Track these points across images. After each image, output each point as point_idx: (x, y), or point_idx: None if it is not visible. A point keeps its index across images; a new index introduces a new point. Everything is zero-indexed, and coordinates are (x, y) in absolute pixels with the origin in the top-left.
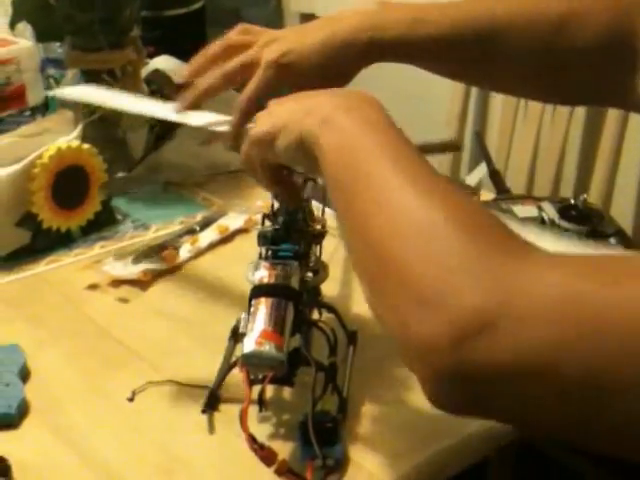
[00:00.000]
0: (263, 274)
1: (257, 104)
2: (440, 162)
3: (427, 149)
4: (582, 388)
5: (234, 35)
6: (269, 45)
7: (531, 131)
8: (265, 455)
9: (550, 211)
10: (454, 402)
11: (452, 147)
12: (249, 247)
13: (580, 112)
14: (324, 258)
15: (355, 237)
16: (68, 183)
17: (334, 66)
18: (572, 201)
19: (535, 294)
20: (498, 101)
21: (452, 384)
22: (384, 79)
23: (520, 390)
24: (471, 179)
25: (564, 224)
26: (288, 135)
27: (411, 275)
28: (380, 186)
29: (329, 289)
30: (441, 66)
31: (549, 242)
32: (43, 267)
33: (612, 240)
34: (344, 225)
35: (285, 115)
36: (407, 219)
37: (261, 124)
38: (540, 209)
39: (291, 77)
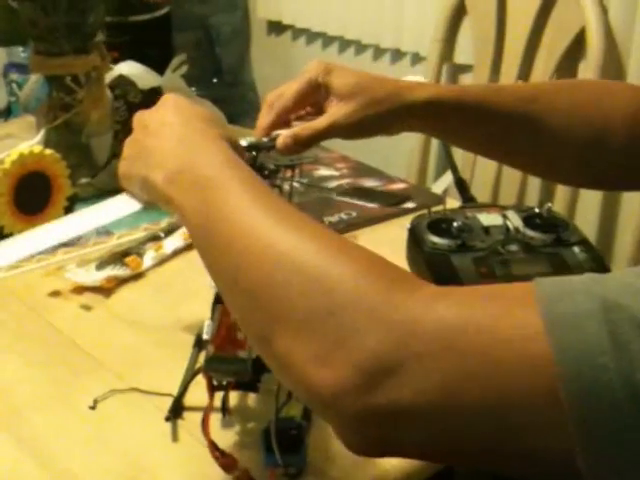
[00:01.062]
0: None
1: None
2: (407, 170)
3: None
4: (485, 415)
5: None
6: None
7: None
8: (226, 462)
9: (515, 220)
10: (368, 446)
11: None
12: None
13: None
14: None
15: (233, 292)
16: (30, 189)
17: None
18: (537, 210)
19: (428, 330)
20: None
21: (362, 429)
22: None
23: (429, 426)
24: (437, 187)
25: (529, 233)
26: (135, 185)
27: (302, 323)
28: (250, 236)
29: None
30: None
31: None
32: (5, 273)
33: (576, 249)
34: (217, 282)
35: (125, 165)
36: (286, 263)
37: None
38: (505, 217)
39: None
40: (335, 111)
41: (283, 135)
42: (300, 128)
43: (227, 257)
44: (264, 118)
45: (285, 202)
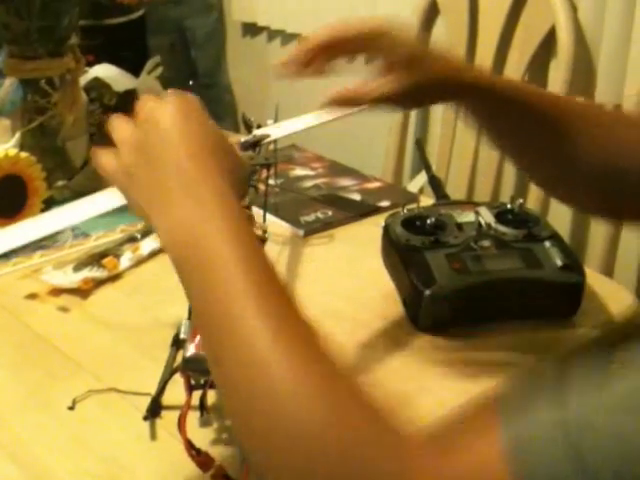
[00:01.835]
0: None
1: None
2: (384, 169)
3: None
4: None
5: None
6: None
7: (471, 138)
8: (202, 461)
9: (487, 216)
10: None
11: None
12: None
13: None
14: None
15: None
16: (6, 192)
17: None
18: (509, 206)
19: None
20: (439, 108)
21: None
22: (328, 83)
23: None
24: (413, 186)
25: (500, 228)
26: (130, 200)
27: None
28: (242, 346)
29: None
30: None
31: None
32: None
33: (547, 243)
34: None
35: (122, 172)
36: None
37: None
38: (477, 214)
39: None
40: (399, 79)
41: (343, 90)
42: (364, 87)
43: (214, 342)
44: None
45: (291, 300)
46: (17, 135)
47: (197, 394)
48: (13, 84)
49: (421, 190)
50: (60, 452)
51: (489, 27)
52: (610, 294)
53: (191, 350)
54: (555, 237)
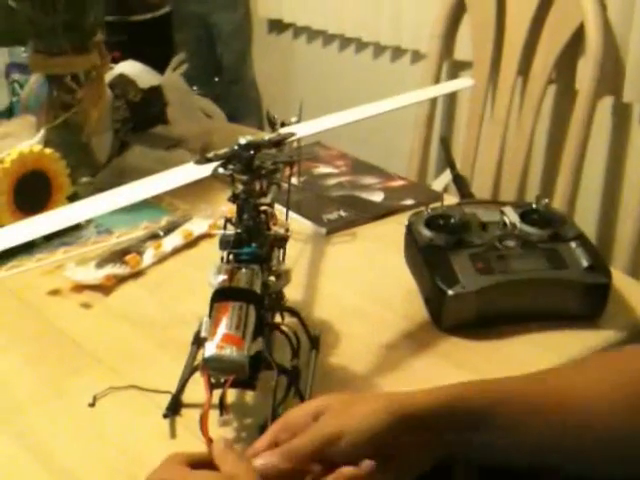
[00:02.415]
0: (224, 278)
1: None
2: (408, 167)
3: None
4: None
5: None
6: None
7: (497, 136)
8: None
9: (512, 215)
10: None
11: None
12: (213, 252)
13: (545, 118)
14: (288, 262)
15: None
16: (30, 188)
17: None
18: (534, 206)
19: None
20: (464, 106)
21: None
22: (354, 81)
23: None
24: (437, 184)
25: (526, 228)
26: None
27: None
28: None
29: (293, 293)
30: None
31: None
32: (4, 272)
33: (573, 244)
34: None
35: None
36: None
37: None
38: (502, 213)
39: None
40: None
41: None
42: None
43: None
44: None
45: None
46: (42, 131)
47: (217, 393)
48: (38, 80)
49: (445, 188)
50: (79, 447)
51: (516, 24)
52: (637, 296)
53: (211, 350)
54: (581, 237)
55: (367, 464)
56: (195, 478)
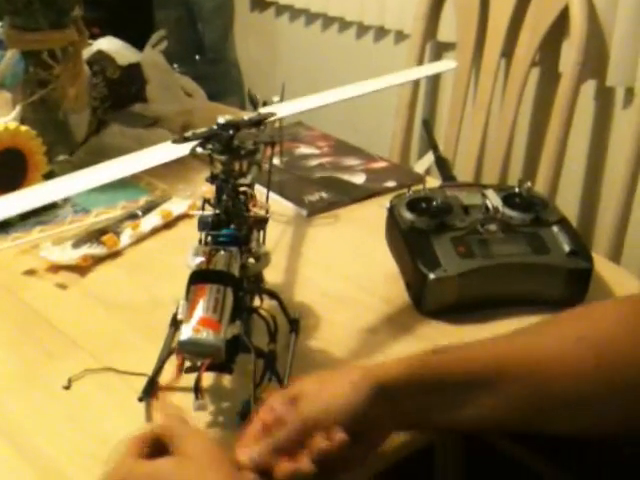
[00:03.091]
0: (202, 260)
1: None
2: (390, 149)
3: None
4: None
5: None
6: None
7: (480, 119)
8: None
9: (494, 199)
10: None
11: None
12: (192, 233)
13: (528, 101)
14: (268, 244)
15: None
16: (6, 166)
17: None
18: (516, 189)
19: None
20: (447, 88)
21: None
22: (337, 61)
23: None
24: (420, 166)
25: (508, 212)
26: None
27: None
28: None
29: (273, 276)
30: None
31: None
32: None
33: (555, 228)
34: None
35: None
36: None
37: None
38: (484, 197)
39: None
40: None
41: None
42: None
43: None
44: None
45: None
46: (18, 108)
47: (192, 377)
48: (14, 56)
49: (428, 171)
50: (55, 432)
51: (500, 6)
52: (617, 280)
53: (187, 333)
54: (563, 222)
55: (340, 437)
56: (156, 469)
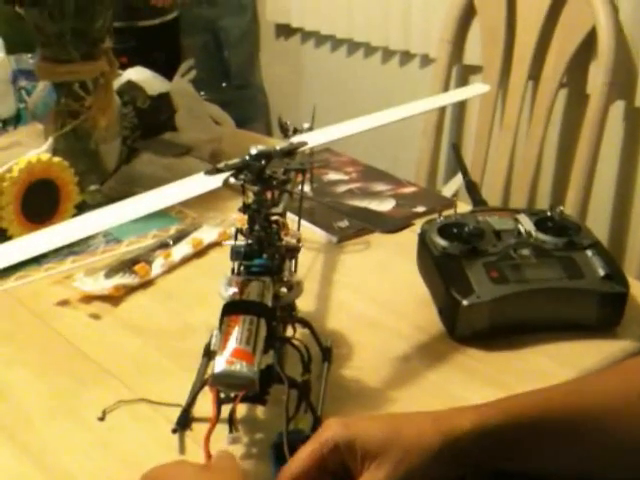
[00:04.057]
0: (235, 290)
1: None
2: (417, 172)
3: None
4: None
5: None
6: None
7: (507, 141)
8: None
9: (527, 223)
10: None
11: None
12: (223, 261)
13: (556, 123)
14: (300, 273)
15: None
16: (38, 197)
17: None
18: (548, 213)
19: None
20: (474, 112)
21: None
22: (363, 86)
23: None
24: (447, 190)
25: (541, 236)
26: None
27: None
28: None
29: (304, 304)
30: None
31: None
32: (12, 283)
33: (589, 252)
34: None
35: None
36: None
37: None
38: (516, 221)
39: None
40: (370, 477)
41: None
42: None
43: None
44: None
45: None
46: (50, 139)
47: (227, 408)
48: (46, 88)
49: (456, 194)
50: (88, 461)
51: (527, 27)
52: None
53: (220, 365)
54: (597, 245)
55: None
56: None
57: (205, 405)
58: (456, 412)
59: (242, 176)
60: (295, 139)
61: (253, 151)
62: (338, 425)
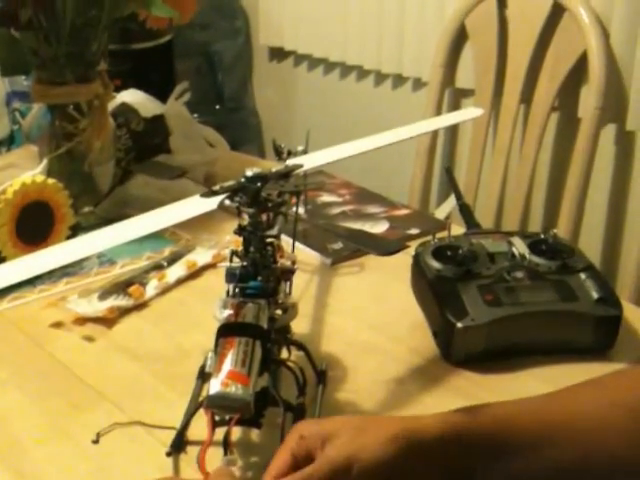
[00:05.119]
0: (230, 312)
1: None
2: (410, 194)
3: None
4: None
5: (293, 444)
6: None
7: (499, 164)
8: None
9: (520, 246)
10: None
11: None
12: (218, 283)
13: (548, 146)
14: (294, 295)
15: None
16: (32, 218)
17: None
18: (542, 236)
19: None
20: (467, 135)
21: None
22: (355, 109)
23: None
24: (440, 212)
25: (534, 259)
26: None
27: None
28: None
29: (300, 326)
30: None
31: None
32: (6, 304)
33: (582, 275)
34: None
35: None
36: None
37: None
38: (510, 244)
39: None
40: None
41: None
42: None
43: None
44: None
45: None
46: (44, 161)
47: (221, 431)
48: (41, 109)
49: (448, 216)
50: None
51: (518, 52)
52: None
53: (215, 387)
54: (591, 268)
55: None
56: None
57: (199, 428)
58: (426, 419)
59: (237, 198)
60: (290, 161)
61: (249, 173)
62: (306, 421)
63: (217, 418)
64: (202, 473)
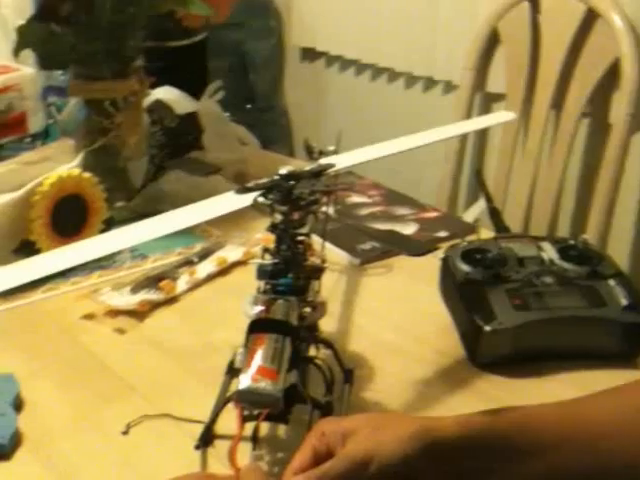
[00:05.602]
0: (261, 309)
1: None
2: (438, 197)
3: None
4: None
5: (314, 440)
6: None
7: (529, 170)
8: None
9: (550, 251)
10: None
11: None
12: (247, 280)
13: (578, 152)
14: (323, 293)
15: None
16: (67, 211)
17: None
18: (572, 241)
19: None
20: (496, 139)
21: None
22: (386, 110)
23: None
24: (468, 216)
25: (564, 265)
26: None
27: None
28: None
29: (327, 325)
30: None
31: None
32: (39, 296)
33: (611, 282)
34: None
35: None
36: None
37: None
38: (540, 249)
39: None
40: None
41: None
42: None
43: None
44: None
45: None
46: (80, 155)
47: (249, 425)
48: (77, 104)
49: (476, 220)
50: (110, 475)
51: (550, 58)
52: None
53: (245, 382)
54: (620, 275)
55: None
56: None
57: (227, 423)
58: (445, 421)
59: (271, 196)
60: (322, 161)
61: (282, 171)
62: (327, 419)
63: (245, 413)
64: (233, 468)
